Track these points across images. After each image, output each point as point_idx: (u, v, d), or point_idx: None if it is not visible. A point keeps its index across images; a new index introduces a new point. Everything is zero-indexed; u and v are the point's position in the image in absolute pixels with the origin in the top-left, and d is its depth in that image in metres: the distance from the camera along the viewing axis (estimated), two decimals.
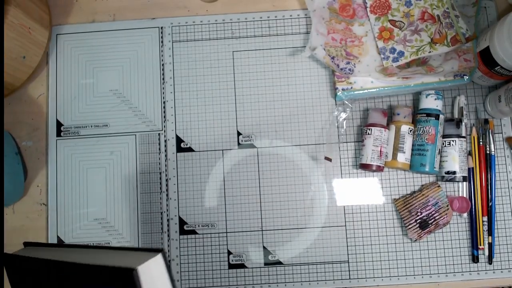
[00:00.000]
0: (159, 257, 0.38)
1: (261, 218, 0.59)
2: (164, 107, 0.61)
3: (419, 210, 0.56)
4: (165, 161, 0.60)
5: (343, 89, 0.58)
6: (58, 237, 0.58)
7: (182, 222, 0.59)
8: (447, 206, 0.56)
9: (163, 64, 0.62)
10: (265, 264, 0.58)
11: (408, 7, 0.59)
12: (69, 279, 0.42)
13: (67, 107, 0.61)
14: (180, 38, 0.62)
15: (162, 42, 0.62)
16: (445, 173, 0.56)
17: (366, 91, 0.58)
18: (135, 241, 0.59)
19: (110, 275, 0.38)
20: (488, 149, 0.58)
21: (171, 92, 0.61)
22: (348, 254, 0.58)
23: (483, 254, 0.57)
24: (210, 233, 0.59)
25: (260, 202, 0.59)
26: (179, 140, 0.60)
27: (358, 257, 0.57)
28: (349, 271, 0.57)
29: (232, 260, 0.58)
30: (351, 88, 0.58)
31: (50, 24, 0.61)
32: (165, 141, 0.60)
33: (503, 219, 0.58)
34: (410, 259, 0.57)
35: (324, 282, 0.57)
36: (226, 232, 0.59)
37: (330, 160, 0.59)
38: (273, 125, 0.60)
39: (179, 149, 0.60)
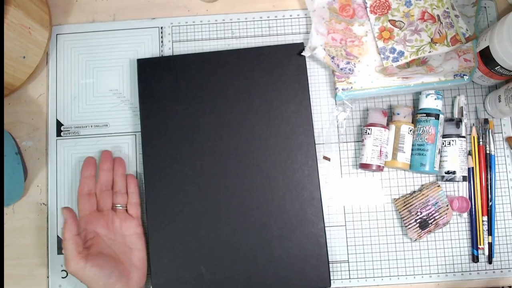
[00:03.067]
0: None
1: None
2: None
3: (419, 210, 0.56)
4: None
5: (343, 89, 0.58)
6: (58, 237, 0.58)
7: None
8: (447, 206, 0.56)
9: None
10: None
11: (408, 7, 0.59)
12: (240, 63, 0.58)
13: (67, 107, 0.61)
14: (180, 38, 0.62)
15: (162, 42, 0.62)
16: (445, 173, 0.56)
17: (366, 91, 0.58)
18: None
19: (283, 49, 0.58)
20: (488, 149, 0.58)
21: None
22: (348, 254, 0.58)
23: (483, 254, 0.57)
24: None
25: None
26: None
27: (358, 257, 0.58)
28: (349, 271, 0.57)
29: None
30: (351, 88, 0.58)
31: (50, 24, 0.61)
32: None
33: (503, 219, 0.58)
34: (410, 259, 0.57)
35: None
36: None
37: (328, 159, 0.59)
38: None
39: None
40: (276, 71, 0.58)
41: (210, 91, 0.57)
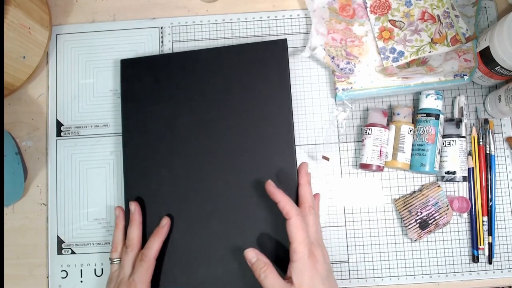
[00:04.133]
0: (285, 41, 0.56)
1: None
2: None
3: (419, 210, 0.56)
4: None
5: (343, 89, 0.58)
6: (58, 237, 0.58)
7: None
8: (447, 206, 0.56)
9: None
10: None
11: (408, 7, 0.59)
12: (224, 61, 0.56)
13: (67, 107, 0.61)
14: (180, 38, 0.62)
15: (162, 42, 0.62)
16: (445, 173, 0.56)
17: (366, 91, 0.58)
18: None
19: (265, 47, 0.56)
20: (488, 149, 0.58)
21: None
22: (348, 254, 0.57)
23: (483, 254, 0.57)
24: None
25: None
26: None
27: (358, 257, 0.57)
28: (349, 271, 0.57)
29: None
30: (351, 88, 0.58)
31: (50, 24, 0.61)
32: None
33: (503, 219, 0.58)
34: (410, 259, 0.57)
35: None
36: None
37: (327, 159, 0.58)
38: None
39: None
40: (256, 69, 0.55)
41: (189, 91, 0.56)
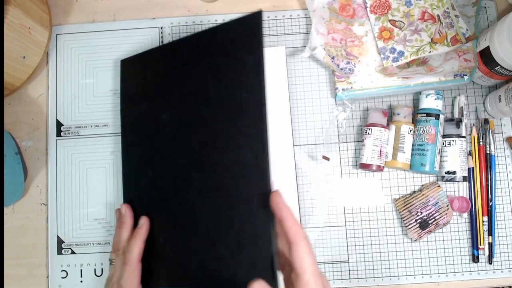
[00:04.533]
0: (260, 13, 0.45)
1: None
2: None
3: (419, 210, 0.56)
4: None
5: (343, 89, 0.58)
6: (58, 237, 0.58)
7: None
8: (447, 206, 0.56)
9: None
10: None
11: (408, 7, 0.59)
12: (199, 49, 0.50)
13: (67, 107, 0.61)
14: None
15: (162, 42, 0.62)
16: (445, 173, 0.56)
17: (366, 91, 0.58)
18: None
19: (238, 24, 0.47)
20: (488, 149, 0.58)
21: None
22: (348, 254, 0.57)
23: (483, 254, 0.57)
24: None
25: None
26: None
27: (358, 257, 0.57)
28: (349, 271, 0.57)
29: None
30: (351, 88, 0.58)
31: (50, 24, 0.60)
32: None
33: (503, 219, 0.58)
34: (410, 259, 0.57)
35: None
36: None
37: (328, 159, 0.58)
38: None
39: None
40: (229, 52, 0.47)
41: (170, 85, 0.52)
